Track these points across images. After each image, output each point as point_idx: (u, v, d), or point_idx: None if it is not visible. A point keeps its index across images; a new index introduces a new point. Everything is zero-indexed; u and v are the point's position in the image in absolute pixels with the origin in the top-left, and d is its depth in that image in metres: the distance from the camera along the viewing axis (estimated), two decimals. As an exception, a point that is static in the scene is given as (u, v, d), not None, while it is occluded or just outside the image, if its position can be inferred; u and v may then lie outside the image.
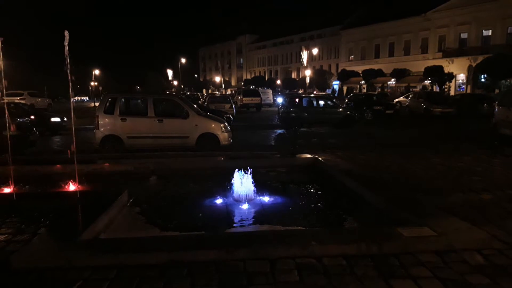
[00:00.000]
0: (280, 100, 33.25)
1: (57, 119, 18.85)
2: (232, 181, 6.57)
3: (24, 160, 8.75)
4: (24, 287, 3.42)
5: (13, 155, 6.59)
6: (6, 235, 4.58)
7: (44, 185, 7.20)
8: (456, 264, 3.76)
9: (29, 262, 3.73)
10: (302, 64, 56.00)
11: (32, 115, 17.96)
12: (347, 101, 30.13)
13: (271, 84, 69.41)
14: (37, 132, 12.98)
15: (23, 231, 4.71)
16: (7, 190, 6.55)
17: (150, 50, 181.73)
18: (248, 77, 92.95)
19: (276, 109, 28.19)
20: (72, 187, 6.89)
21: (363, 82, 56.94)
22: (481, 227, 4.63)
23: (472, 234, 4.37)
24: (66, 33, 5.67)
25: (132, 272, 3.61)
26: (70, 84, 5.90)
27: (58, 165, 8.17)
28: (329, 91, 60.77)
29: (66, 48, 5.63)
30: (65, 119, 18.98)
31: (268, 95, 43.59)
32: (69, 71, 5.79)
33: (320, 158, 9.01)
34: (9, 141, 6.53)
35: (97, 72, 76.02)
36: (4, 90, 6.35)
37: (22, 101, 29.71)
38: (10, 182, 6.46)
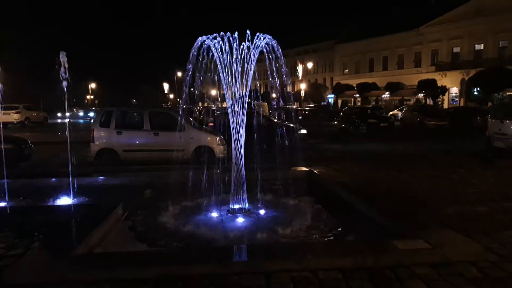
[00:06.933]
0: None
1: None
2: (226, 194, 6.57)
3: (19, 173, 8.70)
4: (16, 303, 3.38)
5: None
6: (-1, 250, 4.53)
7: (38, 198, 7.14)
8: (451, 276, 3.76)
9: (23, 277, 3.69)
10: (297, 77, 56.42)
11: None
12: (342, 115, 30.28)
13: (266, 98, 69.59)
14: (32, 146, 12.90)
15: (17, 245, 4.66)
16: (0, 204, 6.51)
17: (146, 64, 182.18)
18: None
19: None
20: (66, 200, 6.86)
21: (357, 95, 57.33)
22: (476, 239, 4.64)
23: (467, 246, 4.38)
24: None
25: (126, 286, 3.58)
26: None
27: (52, 178, 8.13)
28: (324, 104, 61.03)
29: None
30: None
31: (263, 108, 43.66)
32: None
33: (315, 171, 9.04)
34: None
35: (93, 85, 76.35)
36: None
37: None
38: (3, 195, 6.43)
